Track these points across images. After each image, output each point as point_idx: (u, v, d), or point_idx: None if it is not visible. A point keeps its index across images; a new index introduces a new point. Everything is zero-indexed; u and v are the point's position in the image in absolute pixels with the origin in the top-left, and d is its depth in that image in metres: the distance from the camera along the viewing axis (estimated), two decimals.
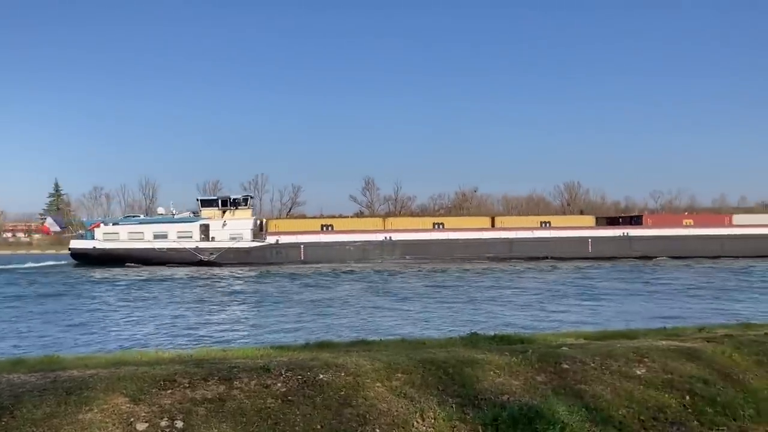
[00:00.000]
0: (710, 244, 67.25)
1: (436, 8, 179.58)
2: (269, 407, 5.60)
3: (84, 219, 77.05)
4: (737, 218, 72.95)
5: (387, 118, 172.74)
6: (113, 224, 65.66)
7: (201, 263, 61.32)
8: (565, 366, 6.85)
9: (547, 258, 64.07)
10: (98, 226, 64.95)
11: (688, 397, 6.40)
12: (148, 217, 69.84)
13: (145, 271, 54.10)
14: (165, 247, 62.74)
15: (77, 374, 6.18)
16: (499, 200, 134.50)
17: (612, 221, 75.76)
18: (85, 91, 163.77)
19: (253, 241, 64.49)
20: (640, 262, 59.83)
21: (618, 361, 7.04)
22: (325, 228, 67.11)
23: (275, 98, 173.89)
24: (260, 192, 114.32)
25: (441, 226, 68.22)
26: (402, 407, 5.80)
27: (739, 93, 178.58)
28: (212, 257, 62.63)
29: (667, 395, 6.42)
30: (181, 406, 5.51)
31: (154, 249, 62.58)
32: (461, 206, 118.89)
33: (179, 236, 63.56)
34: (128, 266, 59.35)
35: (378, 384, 6.14)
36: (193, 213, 67.01)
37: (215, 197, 67.38)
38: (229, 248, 63.32)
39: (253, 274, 51.88)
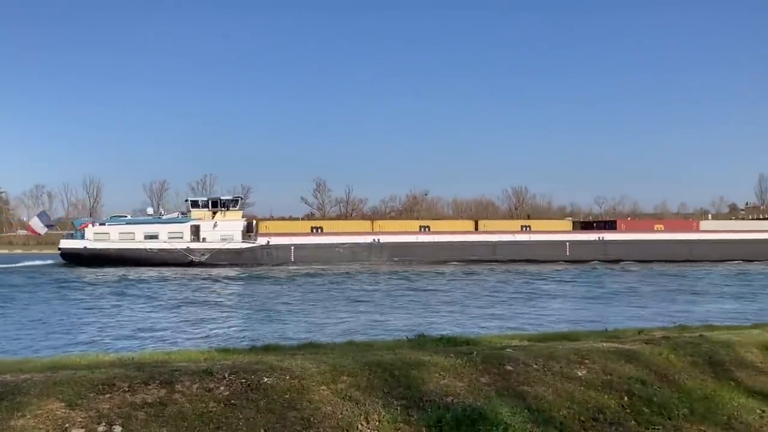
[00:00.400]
0: (679, 249, 69.94)
1: (382, 9, 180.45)
2: (211, 411, 5.51)
3: (74, 219, 74.93)
4: (704, 224, 77.45)
5: (338, 120, 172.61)
6: (101, 224, 64.74)
7: (192, 264, 61.01)
8: (509, 367, 6.95)
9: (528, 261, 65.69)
10: (88, 225, 64.05)
11: (626, 398, 6.57)
12: (137, 218, 68.82)
13: (135, 272, 53.11)
14: (156, 247, 62.32)
15: (10, 379, 5.96)
16: (449, 204, 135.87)
17: (586, 226, 78.71)
18: (25, 89, 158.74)
19: (243, 242, 64.67)
20: (615, 266, 61.93)
21: (560, 363, 7.17)
22: (314, 230, 68.34)
23: (226, 98, 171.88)
24: (208, 192, 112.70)
25: (427, 229, 69.85)
26: (347, 410, 5.78)
27: (677, 103, 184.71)
28: (203, 258, 62.40)
29: (606, 396, 6.57)
30: (120, 411, 5.37)
31: (145, 250, 62.04)
32: (412, 209, 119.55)
33: (170, 237, 63.23)
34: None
35: (323, 387, 6.11)
36: (182, 213, 66.85)
37: (205, 198, 67.26)
38: (221, 249, 63.39)
39: (243, 275, 51.32)
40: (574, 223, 79.51)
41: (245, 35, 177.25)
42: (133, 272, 52.75)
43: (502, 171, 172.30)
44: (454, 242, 67.66)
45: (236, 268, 58.48)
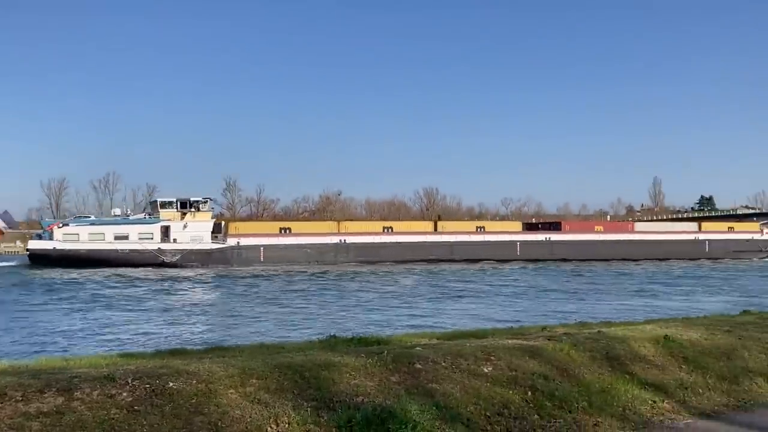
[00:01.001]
0: (617, 248, 76.10)
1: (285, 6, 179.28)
2: (113, 418, 5.30)
3: (42, 220, 72.33)
4: (638, 226, 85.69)
5: (247, 119, 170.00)
6: (69, 225, 63.56)
7: (163, 264, 60.96)
8: (418, 366, 7.05)
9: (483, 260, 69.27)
10: (56, 226, 62.75)
11: (530, 393, 6.80)
12: (104, 218, 67.94)
13: (104, 273, 51.93)
14: (127, 248, 62.04)
15: None
16: (362, 204, 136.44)
17: (532, 227, 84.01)
18: None
19: (213, 242, 65.48)
20: (561, 264, 66.84)
21: (467, 360, 7.35)
22: (283, 231, 69.74)
23: (130, 92, 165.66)
24: (111, 191, 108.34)
25: (390, 230, 72.86)
26: (256, 413, 5.70)
27: (576, 112, 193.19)
28: (175, 259, 62.34)
29: (511, 391, 6.79)
30: (12, 422, 5.07)
31: (116, 250, 61.67)
32: (325, 209, 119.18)
33: (140, 237, 63.06)
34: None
35: (231, 390, 6.00)
36: (149, 214, 66.82)
37: (173, 199, 66.32)
38: (192, 250, 63.65)
39: (210, 276, 51.54)
40: (523, 224, 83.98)
41: (149, 28, 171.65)
42: (100, 273, 52.20)
43: (413, 172, 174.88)
44: (414, 242, 70.68)
45: (207, 269, 59.33)
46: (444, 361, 7.26)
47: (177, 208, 65.08)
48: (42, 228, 64.75)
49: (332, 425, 5.62)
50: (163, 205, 65.50)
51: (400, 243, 70.19)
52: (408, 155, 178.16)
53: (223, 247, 65.27)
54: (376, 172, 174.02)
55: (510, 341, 8.54)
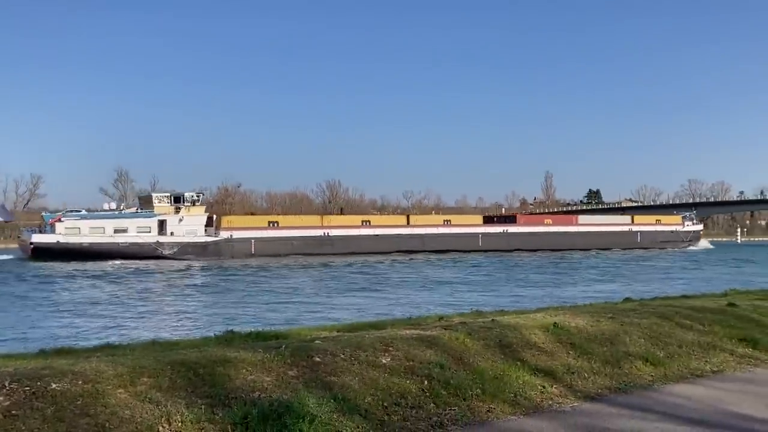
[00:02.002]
0: (564, 239, 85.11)
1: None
2: None
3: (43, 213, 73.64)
4: (581, 218, 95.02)
5: (140, 108, 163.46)
6: (72, 219, 65.13)
7: (161, 257, 63.74)
8: (317, 359, 7.02)
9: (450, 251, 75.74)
10: (58, 220, 64.44)
11: (426, 382, 6.93)
12: (101, 212, 69.76)
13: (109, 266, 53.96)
14: (128, 241, 64.22)
15: None
16: (263, 197, 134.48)
17: (488, 220, 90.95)
18: None
19: (208, 236, 68.60)
20: (513, 254, 74.30)
21: (366, 352, 7.39)
22: (271, 224, 73.48)
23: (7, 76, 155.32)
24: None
25: (368, 223, 78.76)
26: (147, 413, 5.49)
27: (473, 113, 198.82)
28: (173, 251, 65.21)
29: (408, 381, 6.89)
30: None
31: (117, 244, 63.74)
32: (224, 201, 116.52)
33: (138, 231, 65.27)
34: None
35: (120, 390, 5.74)
36: (141, 209, 69.05)
37: (168, 194, 69.74)
38: (188, 243, 66.61)
39: (205, 267, 54.79)
40: (484, 218, 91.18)
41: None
42: (108, 265, 55.15)
43: (315, 165, 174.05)
44: (390, 235, 76.59)
45: (201, 260, 63.01)
46: (343, 354, 7.27)
47: (171, 202, 67.93)
48: (44, 222, 66.06)
49: (227, 422, 5.50)
50: (158, 199, 68.22)
51: (377, 235, 75.67)
52: (310, 148, 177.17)
53: (217, 240, 68.53)
54: (277, 164, 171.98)
55: (408, 331, 8.66)
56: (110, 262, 57.96)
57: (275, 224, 73.82)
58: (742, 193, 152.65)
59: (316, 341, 7.84)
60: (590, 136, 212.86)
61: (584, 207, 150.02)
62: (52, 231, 63.67)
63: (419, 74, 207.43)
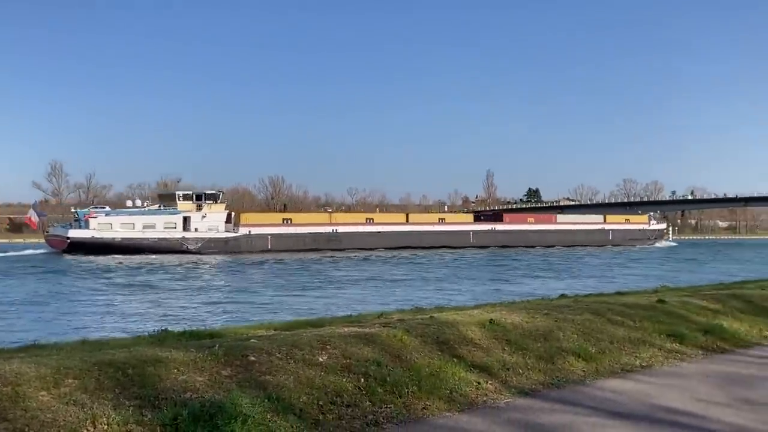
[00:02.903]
0: (545, 237, 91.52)
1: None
2: None
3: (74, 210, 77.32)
4: (560, 218, 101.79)
5: (76, 100, 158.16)
6: (105, 215, 69.22)
7: (187, 252, 67.84)
8: (252, 358, 6.90)
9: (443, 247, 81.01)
10: (92, 216, 68.06)
11: (363, 380, 6.90)
12: (126, 209, 72.82)
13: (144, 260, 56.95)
14: (156, 237, 68.32)
15: None
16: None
17: (477, 218, 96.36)
18: None
19: (228, 232, 72.98)
20: (504, 250, 79.02)
21: (303, 350, 7.30)
22: (285, 221, 79.39)
23: None
24: None
25: (371, 221, 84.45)
26: (71, 416, 5.28)
27: (413, 111, 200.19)
28: (197, 246, 69.52)
29: (344, 379, 6.84)
30: None
31: (147, 239, 67.57)
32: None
33: (165, 227, 69.44)
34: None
35: (43, 392, 5.51)
36: (164, 206, 72.66)
37: (190, 192, 74.40)
38: (211, 238, 71.18)
39: (228, 261, 57.76)
40: (474, 216, 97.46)
41: None
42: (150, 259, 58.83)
43: (257, 160, 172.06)
44: (391, 232, 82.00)
45: (223, 255, 66.25)
46: (279, 352, 7.16)
47: (194, 200, 72.01)
48: (78, 217, 69.84)
49: (156, 424, 5.34)
50: (182, 197, 72.37)
51: (379, 232, 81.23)
52: (254, 143, 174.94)
53: (237, 236, 72.87)
54: (219, 160, 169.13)
55: (346, 329, 8.61)
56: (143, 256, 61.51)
57: (289, 221, 79.43)
58: (674, 192, 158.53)
59: (252, 340, 7.71)
60: (530, 136, 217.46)
61: (524, 205, 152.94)
62: (86, 226, 66.94)
63: (362, 73, 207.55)
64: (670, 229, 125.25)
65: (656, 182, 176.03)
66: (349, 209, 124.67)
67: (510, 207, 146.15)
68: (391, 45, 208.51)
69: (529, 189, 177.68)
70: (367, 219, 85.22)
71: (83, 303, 27.92)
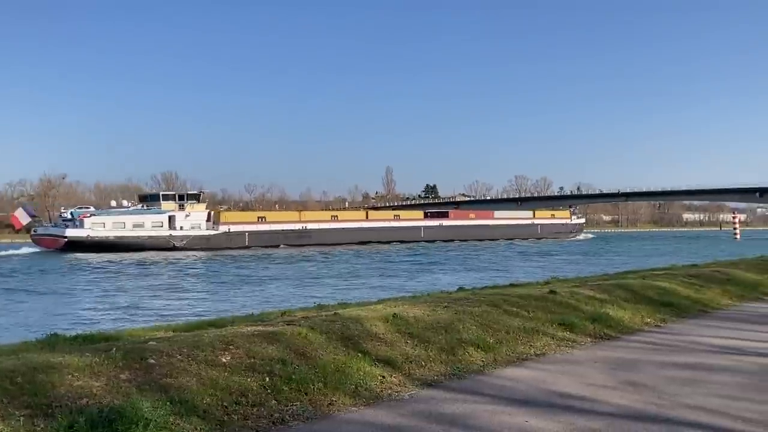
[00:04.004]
0: (484, 231, 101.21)
1: None
2: None
3: (69, 210, 79.17)
4: (496, 214, 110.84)
5: None
6: (96, 215, 73.64)
7: (174, 248, 72.62)
8: (152, 361, 6.69)
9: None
10: (86, 216, 72.03)
11: (268, 379, 6.84)
12: (114, 209, 77.44)
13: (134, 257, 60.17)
14: (146, 235, 73.18)
15: None
16: (92, 188, 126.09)
17: (426, 215, 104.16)
18: None
19: (209, 229, 78.68)
20: (446, 245, 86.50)
21: (205, 351, 7.15)
22: (260, 219, 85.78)
23: None
24: None
25: (336, 218, 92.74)
26: None
27: (314, 106, 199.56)
28: (183, 243, 74.56)
29: (249, 379, 6.76)
30: None
31: (138, 237, 72.43)
32: (46, 194, 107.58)
33: (152, 226, 74.30)
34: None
35: None
36: (147, 206, 77.36)
37: (173, 192, 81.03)
38: (195, 236, 76.61)
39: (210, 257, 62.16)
40: (424, 213, 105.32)
41: None
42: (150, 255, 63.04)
43: (151, 155, 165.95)
44: (354, 228, 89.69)
45: (207, 251, 70.81)
46: (180, 354, 6.98)
47: (176, 200, 77.22)
48: (73, 217, 72.76)
49: None
50: (165, 197, 77.63)
51: (344, 228, 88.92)
52: (146, 137, 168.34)
53: (218, 234, 78.83)
54: (109, 155, 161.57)
55: (250, 328, 8.50)
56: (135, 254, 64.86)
57: (263, 219, 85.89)
58: (561, 188, 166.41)
59: (151, 342, 7.47)
60: (427, 133, 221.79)
61: (422, 201, 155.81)
62: (81, 226, 70.28)
63: (260, 68, 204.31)
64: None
65: (545, 178, 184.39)
66: (246, 206, 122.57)
67: (409, 203, 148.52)
68: (289, 39, 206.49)
69: (427, 185, 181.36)
70: (332, 216, 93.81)
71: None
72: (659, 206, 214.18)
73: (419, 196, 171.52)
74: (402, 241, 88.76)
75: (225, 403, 6.20)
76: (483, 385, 7.68)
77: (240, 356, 7.22)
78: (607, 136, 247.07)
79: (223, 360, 7.06)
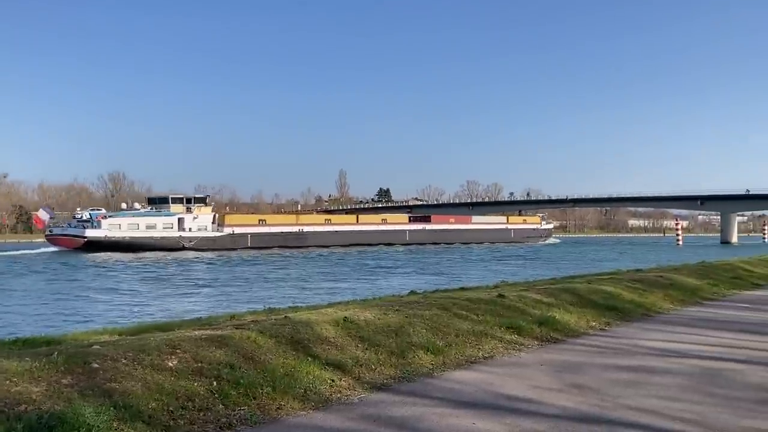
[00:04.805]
0: (463, 235, 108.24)
1: None
2: None
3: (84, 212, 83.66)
4: (474, 219, 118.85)
5: None
6: (111, 217, 78.50)
7: (183, 249, 77.35)
8: (95, 365, 6.54)
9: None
10: (102, 217, 77.43)
11: (215, 383, 6.76)
12: (127, 211, 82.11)
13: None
14: (159, 236, 78.22)
15: None
16: (35, 189, 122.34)
17: (411, 219, 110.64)
18: None
19: (215, 231, 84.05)
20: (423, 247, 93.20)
21: (151, 355, 7.02)
22: (261, 222, 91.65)
23: None
24: None
25: (329, 222, 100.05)
26: None
27: (264, 108, 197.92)
28: (192, 244, 79.44)
29: (196, 383, 6.67)
30: None
31: (152, 238, 77.12)
32: None
33: (163, 227, 79.50)
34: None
35: None
36: (156, 209, 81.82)
37: (181, 196, 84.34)
38: (202, 237, 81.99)
39: (216, 258, 64.72)
40: (409, 218, 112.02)
41: None
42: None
43: (96, 156, 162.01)
44: (345, 231, 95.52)
45: (213, 252, 75.62)
46: (125, 358, 6.84)
47: (184, 203, 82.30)
48: (91, 218, 77.50)
49: None
50: (174, 200, 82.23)
51: (336, 231, 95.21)
52: (90, 137, 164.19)
53: (223, 235, 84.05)
54: (53, 154, 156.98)
55: (197, 332, 8.38)
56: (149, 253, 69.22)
57: (264, 222, 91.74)
58: (512, 194, 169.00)
59: (95, 346, 7.29)
60: (380, 137, 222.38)
61: (375, 205, 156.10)
62: (99, 227, 75.22)
63: (207, 69, 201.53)
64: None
65: (496, 184, 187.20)
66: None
67: (363, 206, 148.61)
68: (242, 38, 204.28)
69: (381, 189, 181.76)
70: (325, 220, 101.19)
71: None
72: (606, 212, 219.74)
73: (372, 199, 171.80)
74: (389, 244, 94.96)
75: (171, 408, 6.10)
76: (432, 388, 7.74)
77: (187, 360, 7.11)
78: (557, 143, 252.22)
79: (170, 364, 6.94)
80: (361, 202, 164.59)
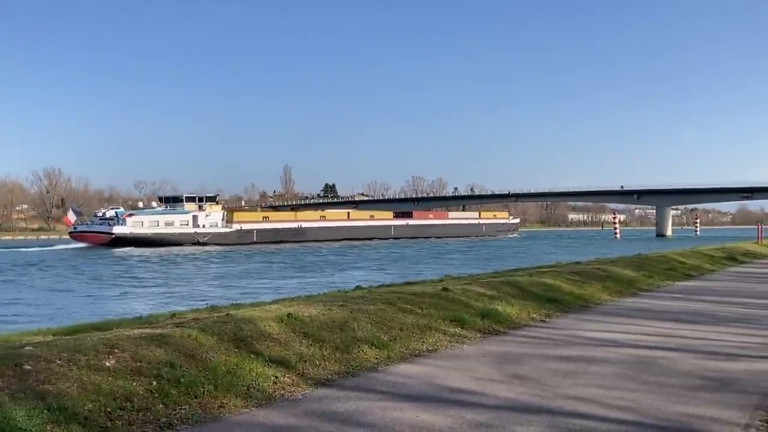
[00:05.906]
0: (440, 229, 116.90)
1: None
2: None
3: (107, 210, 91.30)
4: (451, 215, 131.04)
5: None
6: (135, 215, 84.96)
7: (198, 243, 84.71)
8: (28, 367, 6.31)
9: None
10: (128, 215, 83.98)
11: (155, 383, 6.61)
12: (148, 209, 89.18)
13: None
14: (177, 232, 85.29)
15: None
16: None
17: (394, 215, 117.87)
18: None
19: (225, 227, 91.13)
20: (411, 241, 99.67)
21: (87, 355, 6.82)
22: (264, 219, 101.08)
23: None
24: None
25: (324, 218, 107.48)
26: None
27: (216, 103, 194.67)
28: (206, 239, 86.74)
29: (135, 383, 6.51)
30: None
31: (172, 234, 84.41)
32: None
33: (180, 224, 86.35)
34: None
35: None
36: (170, 207, 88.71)
37: (194, 195, 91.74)
38: (214, 233, 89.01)
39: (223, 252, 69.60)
40: (393, 214, 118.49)
41: None
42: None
43: (30, 152, 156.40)
44: (339, 226, 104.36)
45: (224, 247, 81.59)
46: (60, 359, 6.63)
47: (196, 201, 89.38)
48: (117, 216, 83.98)
49: None
50: (188, 199, 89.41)
51: (329, 227, 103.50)
52: (22, 130, 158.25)
53: (232, 231, 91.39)
54: None
55: (136, 331, 8.19)
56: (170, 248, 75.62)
57: (267, 219, 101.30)
58: (456, 189, 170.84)
59: (27, 347, 7.04)
60: (326, 132, 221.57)
61: (321, 200, 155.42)
62: (124, 224, 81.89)
63: (153, 63, 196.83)
64: None
65: (441, 179, 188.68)
66: (135, 204, 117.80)
67: (308, 202, 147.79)
68: (190, 34, 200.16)
69: (326, 184, 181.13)
70: (320, 216, 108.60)
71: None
72: (546, 207, 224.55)
73: (318, 195, 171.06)
74: (379, 238, 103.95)
75: (109, 409, 5.94)
76: (376, 382, 7.77)
77: (125, 360, 6.94)
78: (499, 139, 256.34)
79: (107, 364, 6.76)
80: (306, 197, 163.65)
